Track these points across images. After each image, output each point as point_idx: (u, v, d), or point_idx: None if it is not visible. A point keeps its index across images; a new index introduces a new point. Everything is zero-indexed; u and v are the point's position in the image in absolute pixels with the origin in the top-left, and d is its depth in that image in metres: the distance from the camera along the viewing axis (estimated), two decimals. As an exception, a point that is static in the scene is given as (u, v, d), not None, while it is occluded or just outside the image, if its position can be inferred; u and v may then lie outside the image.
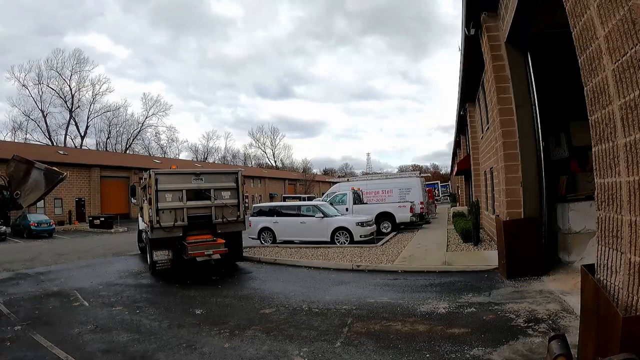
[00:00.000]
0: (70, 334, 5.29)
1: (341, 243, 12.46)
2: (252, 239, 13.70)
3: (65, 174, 8.81)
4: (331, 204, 15.64)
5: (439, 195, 44.94)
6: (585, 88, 2.87)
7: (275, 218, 13.67)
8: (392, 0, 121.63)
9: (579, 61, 2.93)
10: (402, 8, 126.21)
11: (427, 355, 4.08)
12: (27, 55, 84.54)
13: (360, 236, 12.43)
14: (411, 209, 16.21)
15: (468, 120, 16.85)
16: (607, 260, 2.66)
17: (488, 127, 10.89)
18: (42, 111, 49.22)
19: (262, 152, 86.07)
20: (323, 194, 28.54)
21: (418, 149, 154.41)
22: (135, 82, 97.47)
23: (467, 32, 8.20)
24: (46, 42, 78.56)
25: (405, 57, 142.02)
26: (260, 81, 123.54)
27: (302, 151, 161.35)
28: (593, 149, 2.81)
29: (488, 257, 8.82)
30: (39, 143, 46.93)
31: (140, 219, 12.10)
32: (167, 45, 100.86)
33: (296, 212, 13.66)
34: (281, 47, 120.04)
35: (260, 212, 14.15)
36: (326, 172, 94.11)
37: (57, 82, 49.36)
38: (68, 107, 50.38)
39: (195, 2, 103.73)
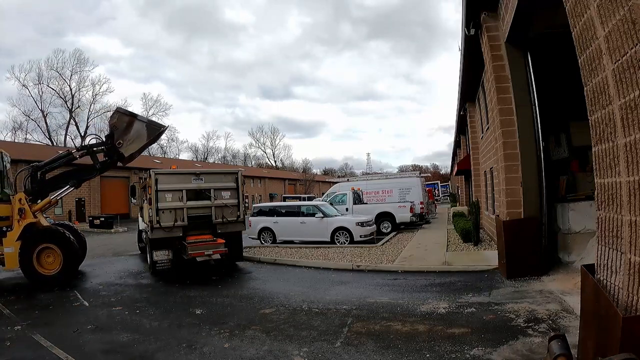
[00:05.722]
0: (70, 334, 5.29)
1: (341, 243, 12.46)
2: (252, 239, 13.69)
3: (167, 125, 9.47)
4: (331, 204, 15.64)
5: (439, 195, 44.89)
6: (585, 88, 2.87)
7: (275, 218, 13.67)
8: (397, 6, 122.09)
9: (579, 61, 2.93)
10: (406, 13, 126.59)
11: (427, 355, 4.08)
12: (30, 56, 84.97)
13: (360, 236, 12.43)
14: (411, 209, 16.21)
15: (468, 121, 16.84)
16: (607, 260, 2.66)
17: (488, 127, 10.89)
18: (42, 111, 49.20)
19: (262, 152, 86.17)
20: (323, 194, 28.52)
21: (418, 149, 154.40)
22: (135, 82, 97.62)
23: (467, 32, 8.20)
24: (50, 43, 79.18)
25: (407, 60, 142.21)
26: (264, 83, 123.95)
27: (302, 151, 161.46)
28: (593, 149, 2.81)
29: (488, 257, 8.82)
30: (39, 143, 46.95)
31: (140, 219, 12.10)
32: (170, 47, 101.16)
33: (296, 212, 13.66)
34: (288, 52, 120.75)
35: (260, 212, 14.14)
36: (326, 172, 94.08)
37: (57, 82, 49.32)
38: (68, 107, 50.32)
39: (209, 9, 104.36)
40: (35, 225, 8.68)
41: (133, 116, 9.27)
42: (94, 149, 9.28)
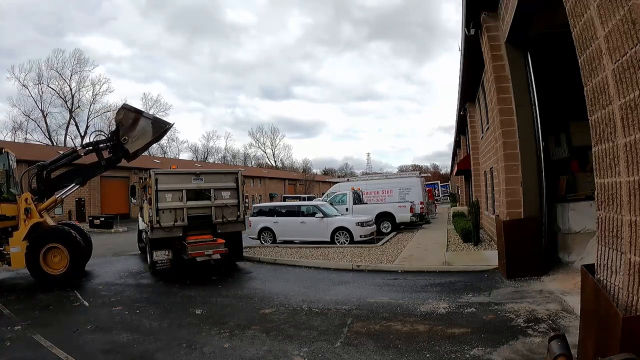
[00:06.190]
0: (70, 334, 5.29)
1: (341, 243, 12.46)
2: (252, 239, 13.69)
3: (172, 123, 9.55)
4: (331, 204, 15.63)
5: (439, 195, 44.87)
6: (585, 88, 2.87)
7: (275, 218, 13.67)
8: (397, 7, 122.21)
9: (579, 61, 2.93)
10: (407, 14, 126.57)
11: (427, 355, 4.08)
12: (31, 56, 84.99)
13: (360, 236, 12.43)
14: (411, 209, 16.20)
15: (468, 120, 16.85)
16: (607, 260, 2.66)
17: (488, 127, 10.89)
18: (42, 111, 49.16)
19: (262, 152, 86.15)
20: (323, 194, 28.51)
21: (418, 149, 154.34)
22: (135, 82, 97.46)
23: (467, 32, 8.19)
24: (51, 43, 79.15)
25: (408, 61, 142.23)
26: (265, 84, 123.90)
27: (302, 151, 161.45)
28: (593, 149, 2.81)
29: (488, 257, 8.82)
30: (39, 143, 46.95)
31: (140, 219, 12.10)
32: (171, 47, 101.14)
33: (296, 212, 13.66)
34: (289, 52, 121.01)
35: (260, 212, 14.14)
36: (326, 172, 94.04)
37: (57, 82, 49.30)
38: (68, 107, 50.29)
39: (211, 10, 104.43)
40: (41, 225, 8.70)
41: (139, 113, 9.28)
42: (100, 145, 9.32)
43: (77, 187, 9.58)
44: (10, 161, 9.01)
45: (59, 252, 8.43)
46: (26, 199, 8.54)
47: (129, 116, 9.06)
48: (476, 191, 15.94)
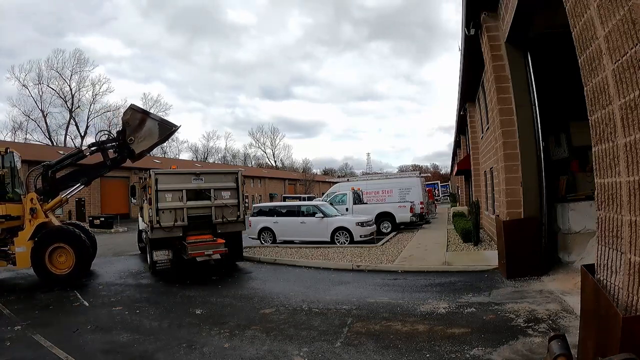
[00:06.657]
0: (70, 334, 5.29)
1: (341, 243, 12.46)
2: (252, 239, 13.69)
3: (179, 125, 9.61)
4: (331, 204, 15.63)
5: (439, 195, 44.86)
6: (585, 88, 2.87)
7: (275, 218, 13.67)
8: (398, 7, 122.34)
9: (579, 61, 2.93)
10: (407, 14, 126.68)
11: (427, 355, 4.08)
12: (31, 56, 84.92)
13: (360, 236, 12.43)
14: (411, 209, 16.20)
15: (468, 121, 16.85)
16: (607, 260, 2.66)
17: (488, 127, 10.89)
18: (42, 111, 49.08)
19: (262, 152, 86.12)
20: (323, 194, 28.50)
21: (418, 149, 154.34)
22: (135, 82, 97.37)
23: (467, 32, 8.20)
24: (51, 43, 78.96)
25: (408, 61, 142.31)
26: (265, 84, 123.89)
27: (302, 151, 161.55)
28: (593, 149, 2.81)
29: (488, 257, 8.82)
30: (39, 143, 46.91)
31: (140, 219, 12.10)
32: (171, 48, 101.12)
33: (296, 212, 13.66)
34: (289, 52, 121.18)
35: (260, 212, 14.14)
36: (326, 172, 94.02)
37: (57, 82, 49.23)
38: (68, 107, 50.21)
39: (211, 10, 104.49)
40: (47, 225, 8.70)
41: (146, 114, 9.32)
42: (106, 145, 9.35)
43: (82, 187, 9.60)
44: (15, 161, 9.03)
45: (64, 252, 8.44)
46: (31, 199, 8.56)
47: (135, 117, 9.09)
48: (476, 191, 15.94)
